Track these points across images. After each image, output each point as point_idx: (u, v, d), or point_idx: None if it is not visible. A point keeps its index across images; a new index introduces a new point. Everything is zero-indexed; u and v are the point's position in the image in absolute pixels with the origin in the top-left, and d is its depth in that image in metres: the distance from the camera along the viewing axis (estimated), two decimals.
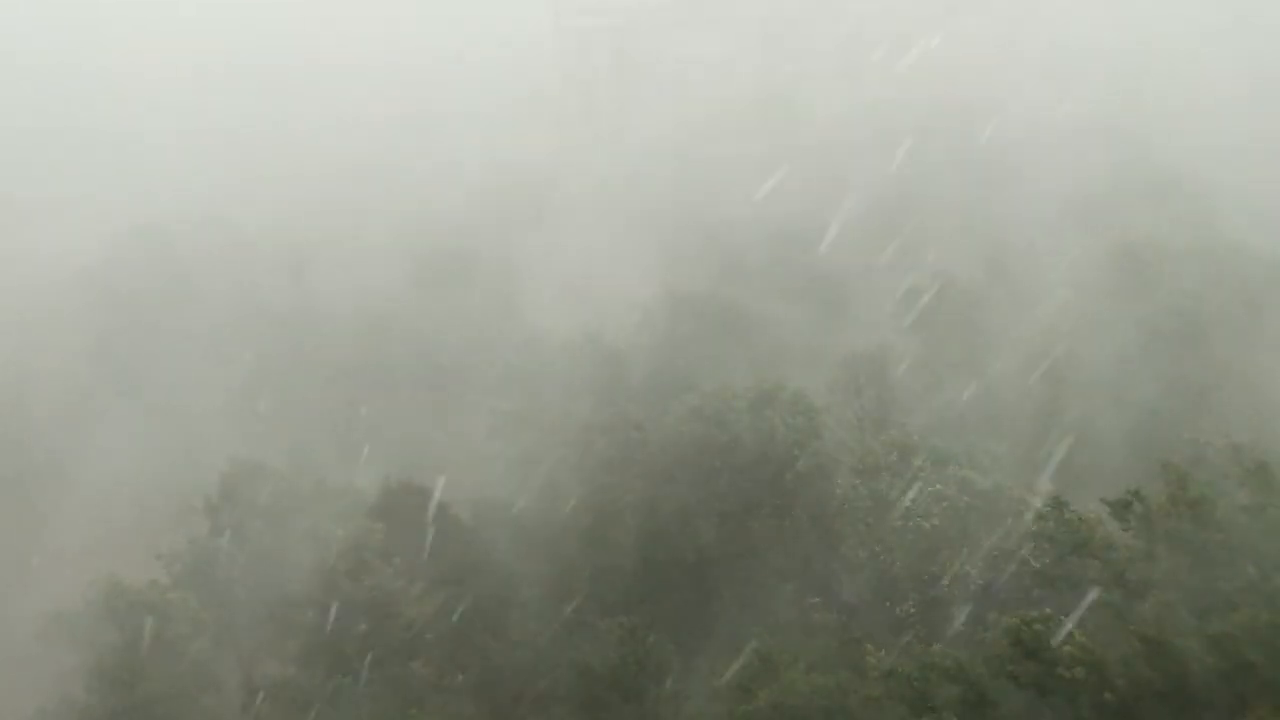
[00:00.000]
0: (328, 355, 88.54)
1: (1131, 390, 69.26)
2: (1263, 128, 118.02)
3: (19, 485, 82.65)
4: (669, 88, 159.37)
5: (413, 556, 55.77)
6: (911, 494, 52.58)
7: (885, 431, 60.93)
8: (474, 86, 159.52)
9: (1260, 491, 42.02)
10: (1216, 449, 50.75)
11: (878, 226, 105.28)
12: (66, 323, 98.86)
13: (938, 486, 52.03)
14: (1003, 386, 70.68)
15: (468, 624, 54.13)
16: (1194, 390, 69.07)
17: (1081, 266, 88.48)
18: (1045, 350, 73.62)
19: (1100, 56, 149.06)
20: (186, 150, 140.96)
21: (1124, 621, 38.62)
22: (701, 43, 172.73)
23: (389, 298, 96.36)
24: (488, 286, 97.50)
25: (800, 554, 55.67)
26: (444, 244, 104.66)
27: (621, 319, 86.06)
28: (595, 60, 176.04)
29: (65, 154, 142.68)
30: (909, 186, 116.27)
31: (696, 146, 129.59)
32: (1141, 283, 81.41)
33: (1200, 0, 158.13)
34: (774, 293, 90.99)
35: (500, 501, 61.85)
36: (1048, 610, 38.38)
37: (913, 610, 49.73)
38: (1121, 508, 42.52)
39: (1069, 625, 37.31)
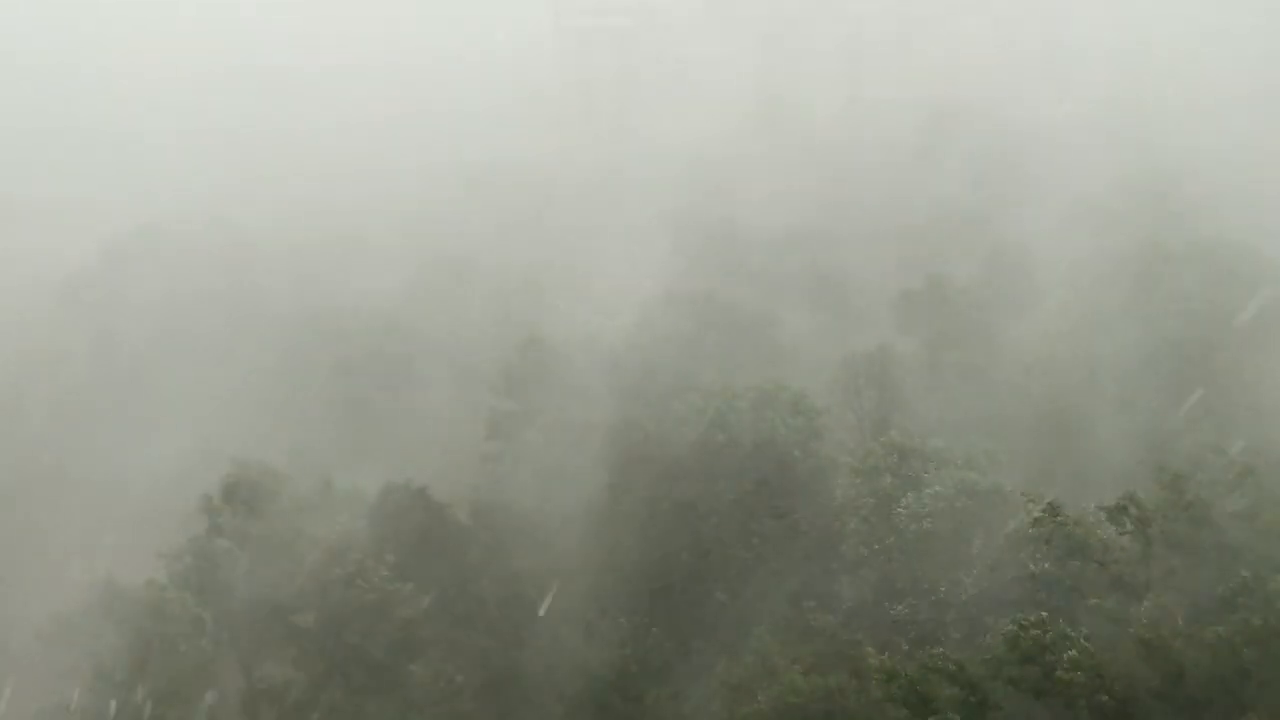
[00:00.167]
0: (328, 355, 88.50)
1: (1132, 391, 69.19)
2: (1263, 128, 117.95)
3: (19, 485, 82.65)
4: (669, 88, 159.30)
5: (411, 557, 55.78)
6: (911, 495, 52.58)
7: (885, 433, 60.88)
8: (474, 86, 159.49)
9: (1252, 495, 42.12)
10: (1212, 452, 50.75)
11: (878, 227, 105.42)
12: (67, 323, 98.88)
13: (937, 488, 52.02)
14: (1003, 387, 70.64)
15: (466, 625, 54.15)
16: (1194, 391, 69.00)
17: (1081, 267, 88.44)
18: (1045, 351, 73.65)
19: (1100, 56, 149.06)
20: (186, 150, 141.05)
21: (1121, 624, 38.66)
22: (702, 43, 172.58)
23: (389, 298, 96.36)
24: (488, 286, 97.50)
25: (800, 555, 55.63)
26: (444, 244, 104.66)
27: (622, 319, 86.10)
28: (595, 60, 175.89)
29: (65, 154, 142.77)
30: (909, 187, 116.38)
31: (697, 146, 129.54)
32: (1141, 283, 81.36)
33: (1200, 0, 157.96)
34: (774, 293, 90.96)
35: (500, 502, 61.85)
36: (1045, 614, 38.39)
37: (912, 612, 49.66)
38: (1118, 512, 42.54)
39: (1067, 629, 37.32)
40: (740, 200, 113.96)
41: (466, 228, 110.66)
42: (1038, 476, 56.95)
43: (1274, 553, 41.15)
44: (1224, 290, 77.92)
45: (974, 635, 45.21)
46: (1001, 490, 51.59)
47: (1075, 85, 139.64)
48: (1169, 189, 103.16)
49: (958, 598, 48.93)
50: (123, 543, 69.56)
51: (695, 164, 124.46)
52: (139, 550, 61.42)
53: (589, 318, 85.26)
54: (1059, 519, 43.64)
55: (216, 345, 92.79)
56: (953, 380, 71.62)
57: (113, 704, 51.38)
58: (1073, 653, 35.64)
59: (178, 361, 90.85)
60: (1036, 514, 44.25)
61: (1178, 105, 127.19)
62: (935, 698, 36.16)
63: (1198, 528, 41.92)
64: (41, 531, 78.05)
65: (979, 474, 52.74)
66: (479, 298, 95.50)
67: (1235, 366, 70.35)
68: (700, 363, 75.71)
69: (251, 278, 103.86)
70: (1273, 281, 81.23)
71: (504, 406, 73.22)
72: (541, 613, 54.52)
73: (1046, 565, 44.78)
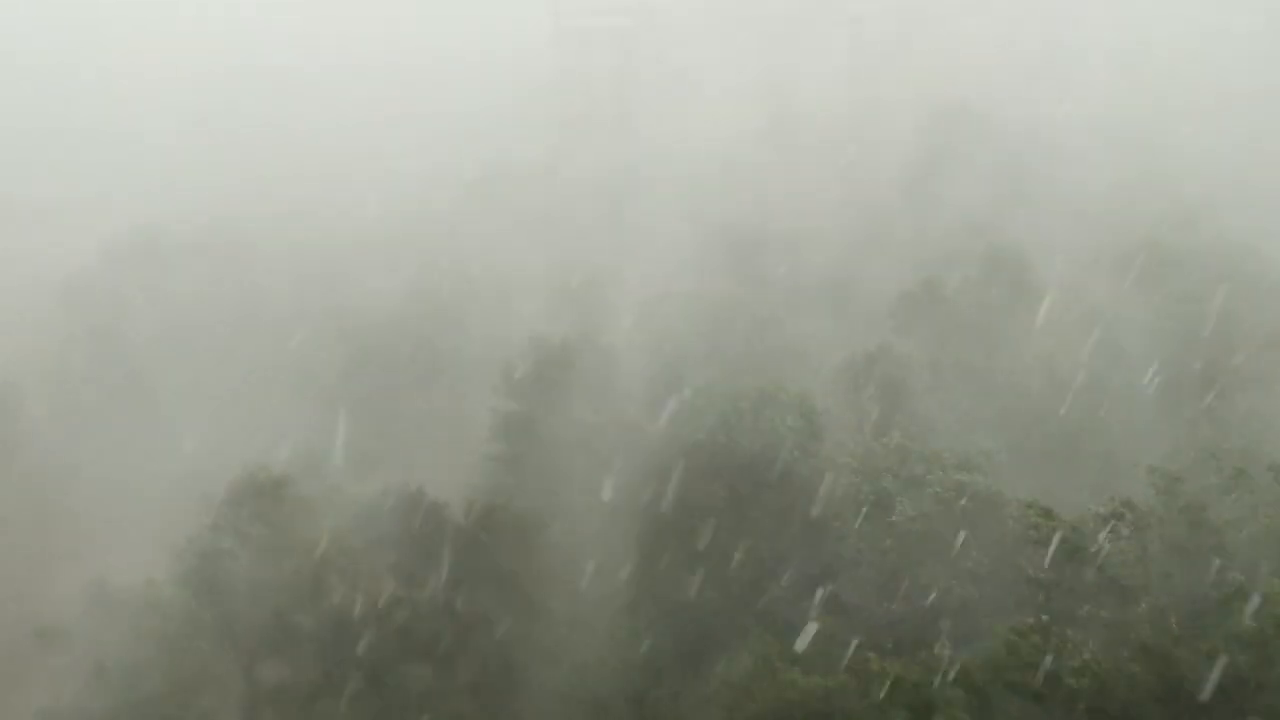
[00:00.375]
0: (327, 355, 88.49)
1: (1132, 392, 69.24)
2: (1263, 128, 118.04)
3: (18, 485, 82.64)
4: (670, 88, 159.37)
5: (410, 558, 55.76)
6: (910, 497, 52.56)
7: (885, 433, 60.86)
8: (474, 86, 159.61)
9: (1246, 498, 42.18)
10: (1209, 454, 50.78)
11: (878, 227, 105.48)
12: (66, 323, 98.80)
13: (937, 490, 52.00)
14: (1003, 388, 70.66)
15: (465, 626, 54.13)
16: (1194, 392, 69.06)
17: (1082, 267, 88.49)
18: (1046, 352, 73.65)
19: (1100, 56, 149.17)
20: (186, 150, 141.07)
21: (1119, 629, 38.68)
22: (702, 42, 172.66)
23: (389, 298, 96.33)
24: (488, 287, 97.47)
25: (799, 556, 55.61)
26: (444, 244, 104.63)
27: (623, 319, 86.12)
28: (595, 60, 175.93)
29: (65, 154, 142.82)
30: (909, 187, 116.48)
31: (696, 146, 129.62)
32: (1141, 284, 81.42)
33: (1200, 0, 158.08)
34: (774, 293, 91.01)
35: (501, 503, 61.79)
36: (1045, 617, 38.42)
37: (910, 613, 49.65)
38: (1114, 517, 42.60)
39: (1072, 635, 37.33)
40: (740, 200, 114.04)
41: (467, 228, 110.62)
42: (1037, 477, 56.98)
43: (1269, 556, 41.19)
44: (1224, 291, 78.00)
45: (972, 638, 45.22)
46: (1000, 492, 51.56)
47: (1075, 85, 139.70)
48: (1169, 189, 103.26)
49: (955, 600, 48.90)
50: (122, 543, 69.52)
51: (695, 164, 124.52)
52: (139, 550, 61.39)
53: (590, 318, 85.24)
54: (1055, 523, 43.64)
55: (216, 345, 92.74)
56: (953, 381, 71.61)
57: (112, 704, 51.42)
58: (1085, 656, 35.65)
59: (178, 362, 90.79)
60: (1033, 518, 44.27)
61: (1178, 105, 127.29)
62: (937, 701, 36.18)
63: (1194, 531, 41.93)
64: (41, 531, 78.06)
65: (978, 475, 52.70)
66: (480, 298, 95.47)
67: (1236, 367, 70.42)
68: (701, 363, 75.73)
69: (251, 278, 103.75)
70: (1273, 281, 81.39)
71: (506, 407, 73.20)
72: (539, 614, 54.58)
73: (1044, 569, 44.76)
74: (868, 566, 53.64)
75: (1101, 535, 43.74)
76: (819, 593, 52.90)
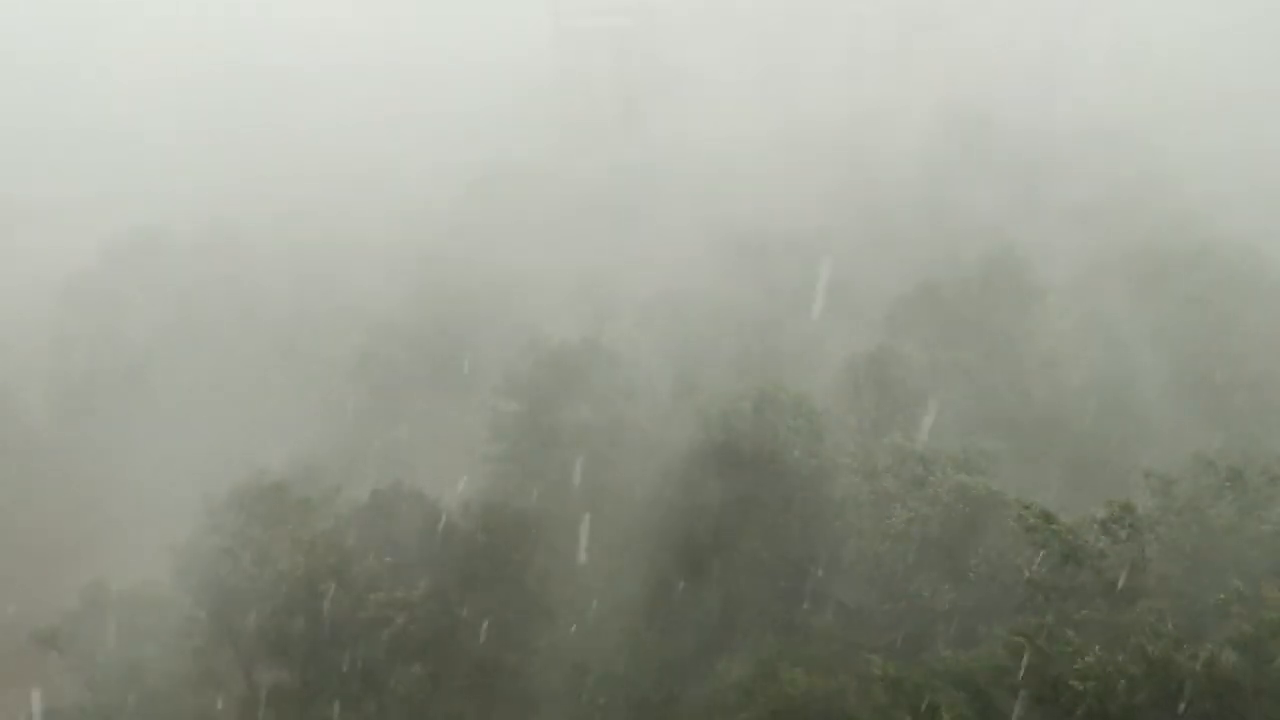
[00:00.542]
0: (327, 356, 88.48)
1: (1132, 392, 69.21)
2: (1263, 128, 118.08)
3: (18, 485, 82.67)
4: (669, 88, 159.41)
5: (410, 559, 55.74)
6: (910, 498, 52.55)
7: (886, 434, 60.84)
8: (474, 86, 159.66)
9: (1241, 501, 42.17)
10: (1208, 456, 50.72)
11: (879, 227, 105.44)
12: (66, 323, 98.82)
13: (936, 491, 51.98)
14: (1003, 389, 70.65)
15: (465, 627, 54.10)
16: (1194, 392, 69.05)
17: (1082, 267, 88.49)
18: (1045, 352, 73.64)
19: (1100, 56, 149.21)
20: (186, 150, 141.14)
21: (1116, 631, 38.66)
22: (702, 42, 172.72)
23: (389, 298, 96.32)
24: (489, 287, 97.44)
25: (799, 557, 55.62)
26: (444, 244, 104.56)
27: (622, 319, 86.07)
28: (595, 60, 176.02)
29: (65, 154, 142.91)
30: (908, 187, 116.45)
31: (696, 146, 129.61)
32: (1141, 284, 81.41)
33: (1200, 0, 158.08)
34: (774, 293, 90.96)
35: (500, 504, 61.77)
36: (1048, 620, 38.39)
37: (910, 615, 49.64)
38: (1111, 521, 42.57)
39: (1074, 637, 37.30)
40: (740, 200, 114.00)
41: (467, 228, 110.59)
42: (1037, 478, 56.97)
43: (1265, 559, 41.18)
44: (1224, 291, 78.03)
45: (971, 640, 45.21)
46: (999, 494, 51.54)
47: (1075, 85, 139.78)
48: (1170, 189, 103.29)
49: (955, 602, 48.89)
50: (122, 543, 69.54)
51: (695, 164, 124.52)
52: (139, 551, 61.37)
53: (590, 318, 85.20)
54: (1054, 526, 43.63)
55: (216, 345, 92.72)
56: (953, 382, 71.57)
57: (112, 704, 51.42)
58: (1089, 659, 35.59)
59: (178, 362, 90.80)
60: (1032, 520, 44.26)
61: (1178, 105, 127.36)
62: (939, 703, 36.16)
63: (1191, 534, 41.92)
64: (41, 531, 78.10)
65: (978, 476, 52.69)
66: (480, 298, 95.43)
67: (1236, 367, 70.40)
68: (701, 363, 75.71)
69: (252, 278, 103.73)
70: (1273, 282, 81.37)
71: (506, 407, 73.13)
72: (540, 615, 54.54)
73: (1044, 571, 44.73)
74: (868, 567, 53.66)
75: (1100, 538, 43.72)
76: (819, 593, 52.96)
